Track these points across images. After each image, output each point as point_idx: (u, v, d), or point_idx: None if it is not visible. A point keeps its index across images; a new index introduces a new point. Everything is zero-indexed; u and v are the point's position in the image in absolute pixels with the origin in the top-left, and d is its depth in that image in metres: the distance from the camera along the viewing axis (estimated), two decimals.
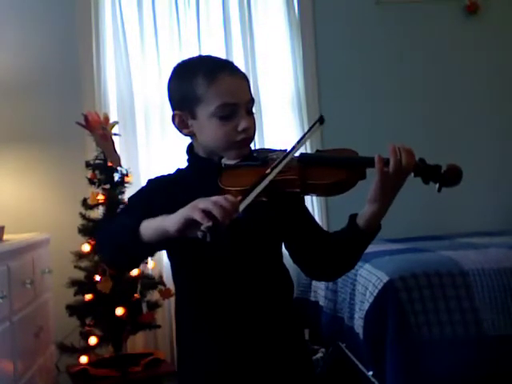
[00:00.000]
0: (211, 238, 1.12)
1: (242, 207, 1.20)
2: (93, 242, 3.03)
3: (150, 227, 1.26)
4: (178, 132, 1.49)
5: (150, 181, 1.51)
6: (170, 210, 1.26)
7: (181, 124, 1.47)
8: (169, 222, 1.21)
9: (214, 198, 1.17)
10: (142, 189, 1.50)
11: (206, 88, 1.40)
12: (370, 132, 3.82)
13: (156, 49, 3.64)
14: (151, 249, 1.31)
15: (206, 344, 1.44)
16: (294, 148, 1.39)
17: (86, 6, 3.58)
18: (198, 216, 1.15)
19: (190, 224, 1.17)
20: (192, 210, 1.17)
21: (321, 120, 1.47)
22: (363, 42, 3.88)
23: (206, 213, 1.15)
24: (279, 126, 3.75)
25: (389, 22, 3.90)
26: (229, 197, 1.19)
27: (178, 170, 1.53)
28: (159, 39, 3.64)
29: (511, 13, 4.02)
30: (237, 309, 1.41)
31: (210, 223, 1.13)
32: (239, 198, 1.21)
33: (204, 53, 3.50)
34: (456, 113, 3.95)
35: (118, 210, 1.57)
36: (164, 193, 1.45)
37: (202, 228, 1.12)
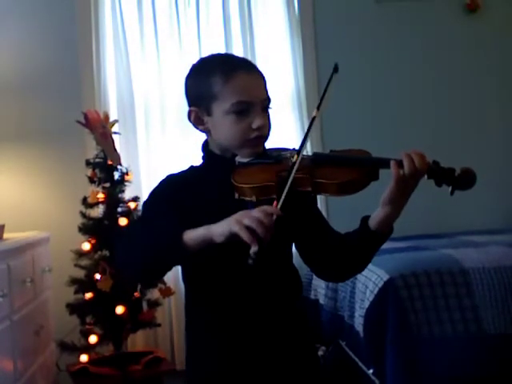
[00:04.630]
0: (257, 262, 1.19)
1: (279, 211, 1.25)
2: (93, 241, 3.03)
3: (193, 235, 1.29)
4: (194, 128, 1.49)
5: (162, 183, 1.49)
6: (187, 207, 1.33)
7: (196, 120, 1.47)
8: (215, 232, 1.27)
9: (257, 215, 1.22)
10: (156, 193, 1.48)
11: (222, 85, 1.40)
12: (369, 130, 3.81)
13: (156, 47, 3.63)
14: (189, 257, 1.33)
15: (214, 343, 1.44)
16: (311, 124, 1.41)
17: (86, 5, 3.57)
18: (244, 236, 1.21)
19: (235, 237, 1.24)
20: (238, 227, 1.22)
21: (335, 69, 1.43)
22: (363, 40, 3.88)
23: (251, 231, 1.20)
24: (279, 123, 3.74)
25: (389, 20, 3.89)
26: (268, 209, 1.24)
27: (191, 168, 1.53)
28: (159, 38, 3.64)
29: (511, 11, 4.02)
30: (246, 308, 1.42)
31: (256, 248, 1.19)
32: (275, 205, 1.26)
33: (204, 52, 3.49)
34: (456, 111, 3.94)
35: (136, 219, 1.56)
36: (178, 192, 1.44)
37: (251, 255, 1.19)
